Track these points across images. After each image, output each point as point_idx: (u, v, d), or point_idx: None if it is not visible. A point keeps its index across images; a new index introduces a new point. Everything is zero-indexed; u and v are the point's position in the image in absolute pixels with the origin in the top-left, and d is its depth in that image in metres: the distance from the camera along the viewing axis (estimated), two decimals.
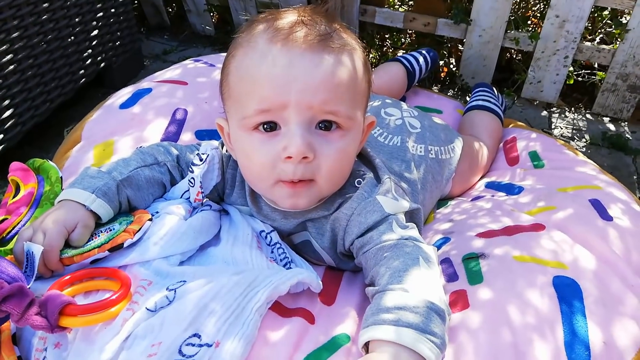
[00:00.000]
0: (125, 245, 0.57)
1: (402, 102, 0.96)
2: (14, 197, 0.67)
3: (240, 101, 0.57)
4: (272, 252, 0.64)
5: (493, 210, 0.80)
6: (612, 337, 0.55)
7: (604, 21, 1.36)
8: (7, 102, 1.06)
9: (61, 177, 0.68)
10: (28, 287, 0.50)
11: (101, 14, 1.32)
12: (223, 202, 0.71)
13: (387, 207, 0.61)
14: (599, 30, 1.37)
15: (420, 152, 0.85)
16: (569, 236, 0.68)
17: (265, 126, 0.56)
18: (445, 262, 0.67)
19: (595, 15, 1.35)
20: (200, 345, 0.47)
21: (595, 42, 1.35)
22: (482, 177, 0.99)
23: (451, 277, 0.63)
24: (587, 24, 1.24)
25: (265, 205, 0.66)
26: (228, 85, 0.60)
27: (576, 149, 1.25)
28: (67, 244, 0.57)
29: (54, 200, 0.64)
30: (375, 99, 0.95)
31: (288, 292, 0.55)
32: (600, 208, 0.75)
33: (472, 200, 0.90)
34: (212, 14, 1.72)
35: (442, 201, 0.92)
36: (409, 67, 1.18)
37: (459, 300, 0.58)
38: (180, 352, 0.47)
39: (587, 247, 0.66)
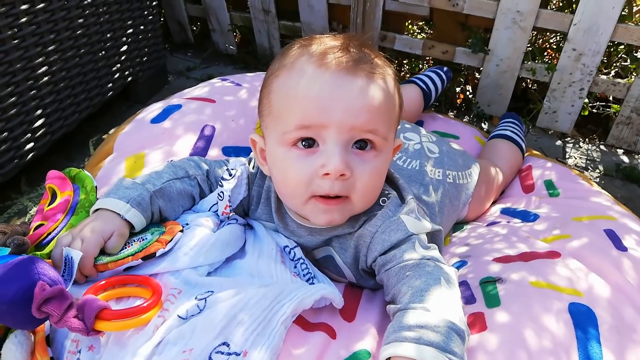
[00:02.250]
0: (157, 254, 0.60)
1: (420, 127, 0.99)
2: (50, 204, 0.70)
3: (282, 117, 0.60)
4: (295, 267, 0.66)
5: (509, 236, 0.82)
6: None
7: (619, 55, 1.39)
8: (39, 111, 1.11)
9: (96, 187, 0.72)
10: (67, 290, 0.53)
11: (131, 30, 1.38)
12: (247, 217, 0.74)
13: (410, 226, 0.64)
14: (615, 64, 1.40)
15: (439, 176, 0.88)
16: (584, 264, 0.70)
17: (304, 143, 0.59)
18: (463, 284, 0.68)
19: (612, 49, 1.38)
20: (229, 354, 0.49)
21: (611, 75, 1.38)
22: (495, 203, 1.01)
23: (468, 299, 0.65)
24: (603, 58, 1.27)
25: (291, 221, 0.68)
26: (270, 102, 0.62)
27: (590, 179, 1.27)
28: (102, 251, 0.60)
29: (89, 208, 0.67)
30: None
31: (311, 307, 0.57)
32: (614, 238, 0.76)
33: (487, 225, 0.92)
34: (235, 34, 1.78)
35: (458, 225, 0.94)
36: (425, 88, 1.22)
37: (477, 322, 0.59)
38: (210, 359, 0.49)
39: (602, 276, 0.68)
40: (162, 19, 1.85)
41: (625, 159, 1.34)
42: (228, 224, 0.68)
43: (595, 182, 1.25)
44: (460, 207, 0.91)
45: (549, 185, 0.99)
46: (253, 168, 0.73)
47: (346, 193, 0.59)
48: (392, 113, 0.62)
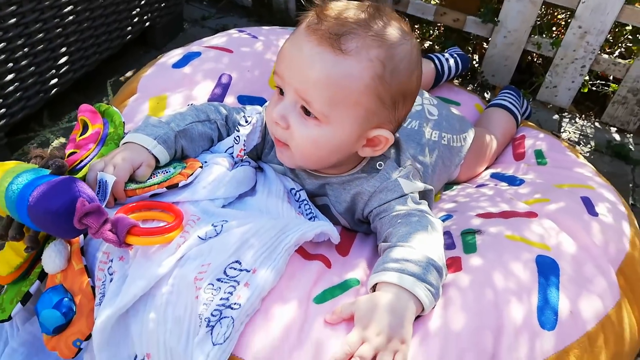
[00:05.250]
0: (180, 185, 0.68)
1: (424, 91, 1.05)
2: (81, 134, 0.78)
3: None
4: (299, 207, 0.74)
5: (494, 196, 0.90)
6: (578, 309, 0.65)
7: (625, 36, 1.42)
8: (64, 49, 1.16)
9: (123, 122, 0.79)
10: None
11: None
12: (259, 160, 0.82)
13: (405, 188, 0.72)
14: (620, 44, 1.44)
15: (435, 138, 0.94)
16: (557, 225, 0.78)
17: (279, 88, 0.66)
18: (446, 234, 0.77)
19: (617, 30, 1.41)
20: (241, 270, 0.58)
21: (614, 55, 1.42)
22: (488, 168, 1.08)
23: (449, 246, 0.73)
24: (609, 37, 1.30)
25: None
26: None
27: (580, 153, 1.34)
28: (131, 179, 0.68)
29: (118, 141, 0.74)
30: None
31: (312, 239, 0.66)
32: (589, 204, 0.84)
33: (477, 186, 0.99)
34: None
35: (449, 184, 1.02)
36: (439, 67, 1.26)
37: (454, 264, 0.68)
38: (224, 272, 0.58)
39: (571, 236, 0.76)
40: None
41: (617, 136, 1.41)
42: (241, 165, 0.76)
43: (584, 156, 1.33)
44: (452, 169, 0.98)
45: (539, 154, 1.06)
46: None
47: (285, 141, 0.67)
48: (341, 96, 0.61)
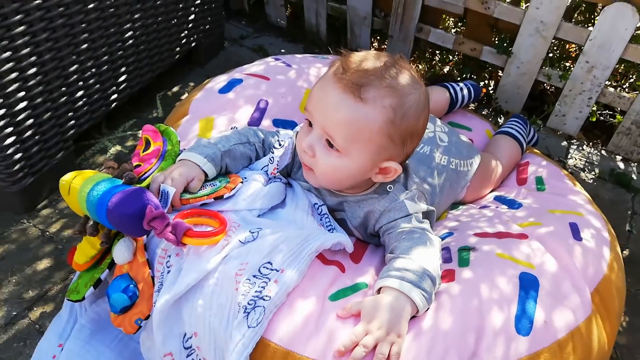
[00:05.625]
0: (224, 197, 0.83)
1: (437, 119, 1.18)
2: (144, 150, 0.94)
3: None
4: (321, 219, 0.88)
5: (493, 218, 1.02)
6: (552, 320, 0.77)
7: (630, 72, 1.51)
8: (123, 68, 1.34)
9: (179, 141, 0.95)
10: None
11: (199, 1, 1.58)
12: (289, 177, 0.96)
13: (410, 208, 0.85)
14: (625, 79, 1.53)
15: (444, 162, 1.07)
16: (544, 246, 0.90)
17: (308, 121, 0.80)
18: (445, 249, 0.90)
19: (623, 66, 1.50)
20: (272, 269, 0.73)
21: (619, 89, 1.51)
22: (493, 190, 1.20)
23: (446, 260, 0.86)
24: (617, 70, 1.40)
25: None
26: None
27: (584, 179, 1.44)
28: (185, 190, 0.84)
29: (174, 157, 0.90)
30: None
31: (330, 248, 0.80)
32: (575, 230, 0.95)
33: (480, 207, 1.12)
34: (286, 8, 1.95)
35: (456, 204, 1.14)
36: (454, 96, 1.38)
37: (448, 275, 0.81)
38: (259, 270, 0.72)
39: (555, 257, 0.88)
40: None
41: (621, 165, 1.50)
42: (274, 181, 0.90)
43: (589, 182, 1.43)
44: (458, 190, 1.11)
45: (539, 180, 1.18)
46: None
47: (311, 167, 0.81)
48: (364, 136, 0.74)
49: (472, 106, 1.66)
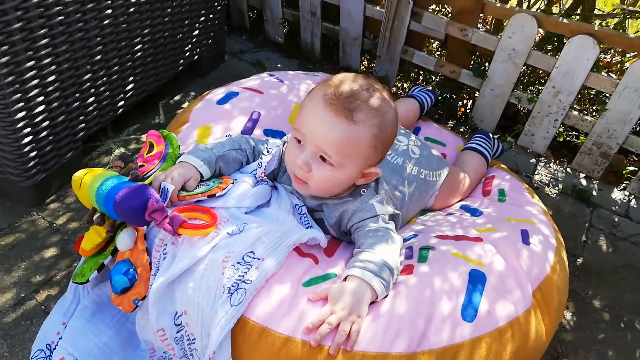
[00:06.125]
0: (216, 195, 0.95)
1: (412, 134, 1.31)
2: (148, 152, 1.06)
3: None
4: (300, 218, 1.01)
5: (455, 224, 1.15)
6: (494, 310, 0.89)
7: (592, 97, 1.65)
8: (132, 77, 1.47)
9: (179, 145, 1.07)
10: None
11: (203, 18, 1.71)
12: (275, 181, 1.09)
13: (378, 210, 0.97)
14: (588, 104, 1.67)
15: (414, 172, 1.20)
16: (496, 249, 1.02)
17: (297, 139, 0.92)
18: (409, 248, 1.02)
19: (586, 92, 1.64)
20: (254, 258, 0.85)
21: (583, 113, 1.65)
22: (460, 200, 1.33)
23: (408, 257, 0.99)
24: (584, 94, 1.53)
25: None
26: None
27: (548, 194, 1.57)
28: (182, 188, 0.96)
29: (175, 159, 1.03)
30: None
31: (306, 242, 0.92)
32: (525, 236, 1.08)
33: (447, 214, 1.24)
34: (284, 26, 2.10)
35: (425, 211, 1.27)
36: (421, 101, 1.55)
37: (407, 269, 0.93)
38: (243, 258, 0.85)
39: (504, 258, 1.00)
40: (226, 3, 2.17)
41: (584, 182, 1.63)
42: (262, 183, 1.03)
43: (552, 197, 1.56)
44: (427, 198, 1.24)
45: (501, 192, 1.30)
46: (285, 148, 1.07)
47: (305, 180, 0.93)
48: (352, 150, 0.87)
49: (450, 123, 1.79)
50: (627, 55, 1.76)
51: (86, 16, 1.22)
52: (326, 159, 0.89)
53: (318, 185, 0.93)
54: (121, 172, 0.98)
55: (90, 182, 0.93)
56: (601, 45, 1.41)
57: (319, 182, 0.92)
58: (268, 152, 1.04)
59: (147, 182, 0.98)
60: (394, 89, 1.95)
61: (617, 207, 1.55)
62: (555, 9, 1.85)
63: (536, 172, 1.64)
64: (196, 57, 1.76)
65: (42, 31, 1.12)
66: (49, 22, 1.13)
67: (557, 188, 1.59)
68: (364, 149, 0.89)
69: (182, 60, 1.68)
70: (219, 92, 1.29)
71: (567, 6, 1.72)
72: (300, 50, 2.07)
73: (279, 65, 2.02)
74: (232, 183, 0.99)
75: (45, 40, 1.13)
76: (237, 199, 0.96)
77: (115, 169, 1.00)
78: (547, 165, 1.68)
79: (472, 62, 1.70)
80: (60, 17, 1.15)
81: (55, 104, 1.22)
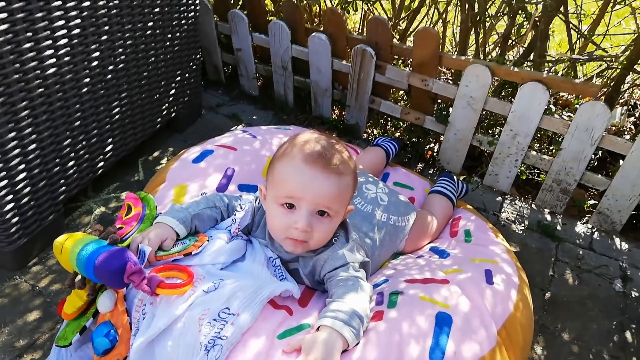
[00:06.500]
0: (192, 253, 1.00)
1: (379, 181, 1.39)
2: (126, 214, 1.11)
3: (278, 186, 0.99)
4: (274, 271, 1.06)
5: (424, 266, 1.21)
6: (461, 351, 0.94)
7: (549, 137, 1.77)
8: (110, 139, 1.53)
9: (156, 206, 1.12)
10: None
11: (179, 78, 1.80)
12: (249, 235, 1.14)
13: (348, 258, 1.03)
14: (545, 143, 1.78)
15: (384, 219, 1.27)
16: (461, 290, 1.08)
17: (287, 204, 0.98)
18: (379, 294, 1.07)
19: (542, 132, 1.76)
20: (229, 314, 0.89)
21: (542, 152, 1.76)
22: (430, 242, 1.40)
23: (379, 302, 1.04)
24: (538, 136, 1.64)
25: (276, 242, 1.08)
26: (273, 173, 1.01)
27: (515, 231, 1.65)
28: (159, 248, 1.01)
29: (152, 220, 1.08)
30: (361, 176, 1.37)
31: (280, 294, 0.97)
32: (489, 276, 1.14)
33: (417, 257, 1.30)
34: (258, 80, 2.20)
35: (396, 254, 1.33)
36: (386, 149, 1.65)
37: (377, 316, 0.98)
38: (218, 315, 0.89)
39: (469, 298, 1.06)
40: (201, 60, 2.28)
41: (548, 217, 1.72)
42: (236, 238, 1.08)
43: (519, 233, 1.64)
44: (397, 243, 1.30)
45: (467, 233, 1.38)
46: (257, 203, 1.13)
47: (306, 240, 0.98)
48: (344, 197, 0.99)
49: (419, 166, 1.88)
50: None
51: (65, 86, 1.29)
52: (325, 213, 0.97)
53: (319, 240, 1.00)
54: (100, 235, 1.03)
55: (71, 247, 0.97)
56: (550, 91, 1.53)
57: (320, 237, 0.99)
58: (241, 208, 1.10)
59: (125, 244, 1.03)
60: (365, 135, 2.05)
61: (580, 240, 1.63)
62: (510, 55, 2.00)
63: (502, 210, 1.72)
64: (174, 114, 1.84)
65: (23, 103, 1.18)
66: (30, 94, 1.19)
67: (523, 224, 1.67)
68: (350, 192, 1.01)
69: (159, 119, 1.76)
70: (195, 151, 1.36)
71: (519, 54, 1.86)
72: (274, 101, 2.17)
73: (254, 117, 2.11)
74: (208, 240, 1.04)
75: (26, 112, 1.20)
76: (212, 256, 1.01)
77: (95, 233, 1.04)
78: (513, 203, 1.76)
79: (435, 109, 1.81)
80: (40, 89, 1.22)
81: (35, 171, 1.27)
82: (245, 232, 1.13)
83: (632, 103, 2.10)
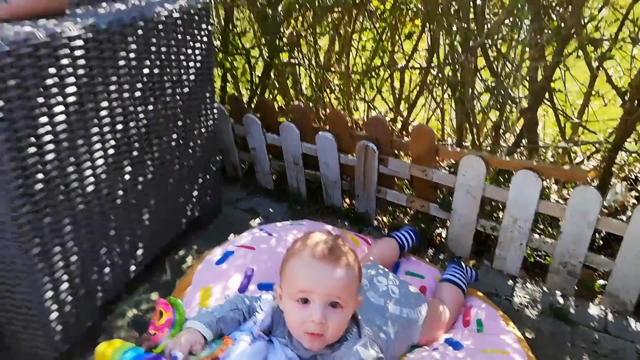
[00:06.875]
0: (219, 357, 1.08)
1: (390, 273, 1.47)
2: (159, 320, 1.21)
3: (290, 284, 1.09)
4: None
5: (439, 359, 1.26)
6: None
7: (550, 220, 1.86)
8: (141, 244, 1.66)
9: (185, 310, 1.22)
10: None
11: (201, 180, 1.97)
12: (270, 334, 1.22)
13: (362, 354, 1.09)
14: (548, 226, 1.87)
15: (397, 312, 1.34)
16: None
17: (301, 300, 1.08)
18: None
19: (542, 216, 1.85)
20: None
21: (545, 235, 1.84)
22: (445, 331, 1.45)
23: None
24: (540, 218, 1.73)
25: (295, 340, 1.15)
26: (285, 272, 1.11)
27: (529, 316, 1.69)
28: (190, 352, 1.09)
29: (182, 324, 1.17)
30: (372, 268, 1.46)
31: None
32: None
33: (432, 350, 1.35)
34: (273, 175, 2.37)
35: (413, 347, 1.38)
36: (400, 241, 1.72)
37: None
38: None
39: None
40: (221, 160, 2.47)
41: (561, 300, 1.75)
42: (259, 340, 1.16)
43: (532, 318, 1.67)
44: (412, 335, 1.36)
45: (479, 322, 1.43)
46: (276, 302, 1.22)
47: (322, 332, 1.06)
48: (353, 286, 1.07)
49: (430, 251, 1.97)
50: None
51: (102, 200, 1.45)
52: (337, 303, 1.04)
53: (334, 332, 1.06)
54: (137, 342, 1.12)
55: (111, 355, 1.06)
56: (542, 178, 1.65)
57: (335, 328, 1.05)
58: (261, 309, 1.20)
59: (159, 350, 1.11)
60: (375, 223, 2.16)
61: (595, 323, 1.65)
62: (503, 143, 2.14)
63: (514, 294, 1.77)
64: (197, 214, 1.99)
65: (67, 220, 1.33)
66: (72, 211, 1.35)
67: (536, 309, 1.71)
68: (357, 283, 1.08)
69: (184, 220, 1.90)
70: (217, 253, 1.48)
71: (512, 142, 2.01)
72: (288, 194, 2.32)
73: (270, 210, 2.25)
74: (232, 343, 1.12)
75: (69, 227, 1.34)
76: (236, 359, 1.09)
77: (131, 340, 1.14)
78: (524, 286, 1.81)
79: (438, 197, 1.93)
80: (81, 206, 1.37)
81: (77, 280, 1.40)
82: (266, 333, 1.21)
83: (633, 177, 2.16)
